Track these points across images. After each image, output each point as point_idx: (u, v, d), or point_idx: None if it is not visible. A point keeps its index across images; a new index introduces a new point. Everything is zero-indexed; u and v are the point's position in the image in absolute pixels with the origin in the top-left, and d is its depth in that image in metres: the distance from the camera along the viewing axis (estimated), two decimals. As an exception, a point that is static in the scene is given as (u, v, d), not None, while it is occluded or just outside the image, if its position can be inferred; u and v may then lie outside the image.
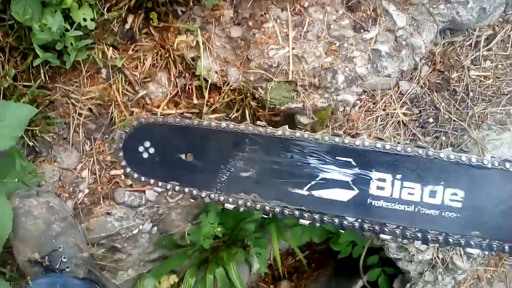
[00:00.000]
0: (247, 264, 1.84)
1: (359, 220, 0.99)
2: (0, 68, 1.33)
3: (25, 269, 1.30)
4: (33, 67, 1.37)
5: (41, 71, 1.37)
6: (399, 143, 1.23)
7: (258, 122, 1.03)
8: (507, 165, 0.94)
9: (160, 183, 1.07)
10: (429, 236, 0.96)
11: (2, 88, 1.34)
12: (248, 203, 1.03)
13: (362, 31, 1.33)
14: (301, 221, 1.02)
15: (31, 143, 1.38)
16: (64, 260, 1.28)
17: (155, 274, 1.63)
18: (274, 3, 1.35)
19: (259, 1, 1.36)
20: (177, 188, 1.06)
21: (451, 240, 0.95)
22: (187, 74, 1.42)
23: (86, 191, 1.41)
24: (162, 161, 1.07)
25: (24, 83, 1.38)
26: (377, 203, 0.98)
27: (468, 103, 1.37)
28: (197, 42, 1.37)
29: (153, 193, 1.45)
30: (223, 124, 1.02)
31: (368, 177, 0.98)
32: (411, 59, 1.36)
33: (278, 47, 1.33)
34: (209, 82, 1.38)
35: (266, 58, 1.32)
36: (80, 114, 1.40)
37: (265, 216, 1.68)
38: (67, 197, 1.40)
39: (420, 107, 1.38)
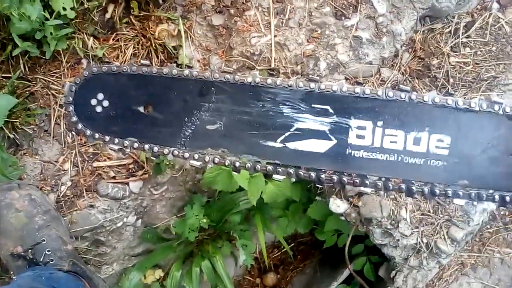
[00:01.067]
0: (233, 257, 1.84)
1: (338, 173, 0.92)
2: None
3: (8, 263, 1.28)
4: (12, 57, 1.35)
5: (21, 61, 1.35)
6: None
7: (224, 68, 0.95)
8: (496, 107, 0.87)
9: (116, 140, 0.97)
10: (413, 187, 0.90)
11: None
12: (216, 159, 0.95)
13: (343, 18, 1.34)
14: (275, 176, 0.95)
15: (11, 136, 1.36)
16: (48, 253, 1.26)
17: (140, 268, 1.61)
18: (256, -9, 1.35)
19: (240, -11, 1.36)
20: (135, 145, 0.96)
21: (437, 190, 0.89)
22: (169, 63, 1.41)
23: (69, 183, 1.39)
24: (118, 115, 0.97)
25: (3, 74, 1.36)
26: (357, 153, 0.91)
27: (448, 89, 1.38)
28: (179, 31, 1.36)
29: (138, 184, 1.43)
30: (186, 71, 0.93)
31: (346, 126, 0.91)
32: (392, 46, 1.37)
33: (260, 34, 1.33)
34: (192, 71, 1.37)
35: (248, 46, 1.32)
36: (61, 106, 1.38)
37: (249, 209, 1.70)
38: (49, 190, 1.38)
39: (402, 94, 1.39)
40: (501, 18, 1.42)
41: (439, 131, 0.89)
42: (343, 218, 1.43)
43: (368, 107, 0.90)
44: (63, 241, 1.30)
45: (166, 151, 0.95)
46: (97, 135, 0.97)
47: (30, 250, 1.26)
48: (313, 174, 0.92)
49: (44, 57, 1.34)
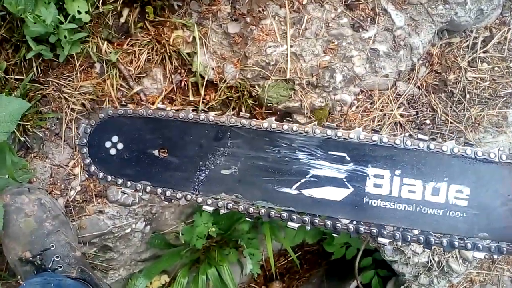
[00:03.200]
0: (238, 264, 1.83)
1: (355, 222, 0.91)
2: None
3: (16, 268, 1.27)
4: (25, 60, 1.34)
5: (34, 64, 1.34)
6: (396, 135, 1.16)
7: (241, 114, 0.94)
8: None
9: (129, 183, 0.97)
10: (432, 239, 0.89)
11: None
12: (230, 205, 0.93)
13: (360, 30, 1.32)
14: (290, 224, 0.93)
15: (22, 139, 1.35)
16: (57, 259, 1.25)
17: (147, 274, 1.60)
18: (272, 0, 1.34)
19: (257, -2, 1.35)
20: (148, 188, 0.96)
21: (456, 243, 0.88)
22: (182, 70, 1.40)
23: (78, 188, 1.38)
24: (131, 158, 0.97)
25: (16, 76, 1.35)
26: (374, 203, 0.90)
27: (464, 105, 1.37)
28: (194, 37, 1.35)
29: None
30: (202, 116, 0.92)
31: (364, 174, 0.90)
32: (408, 59, 1.35)
33: (276, 44, 1.31)
34: (205, 79, 1.36)
35: (264, 56, 1.31)
36: (73, 109, 1.37)
37: (258, 217, 1.68)
38: (58, 194, 1.37)
39: (417, 108, 1.38)
40: (520, 34, 1.41)
41: (458, 182, 0.88)
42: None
43: (385, 156, 0.89)
44: (71, 247, 1.29)
45: (179, 195, 0.95)
46: (109, 178, 0.98)
47: (38, 256, 1.25)
48: (329, 223, 0.91)
49: (57, 60, 1.33)
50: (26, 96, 1.33)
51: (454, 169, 0.88)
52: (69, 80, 1.37)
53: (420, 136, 0.89)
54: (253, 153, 0.92)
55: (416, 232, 0.90)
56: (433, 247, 0.91)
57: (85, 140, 0.98)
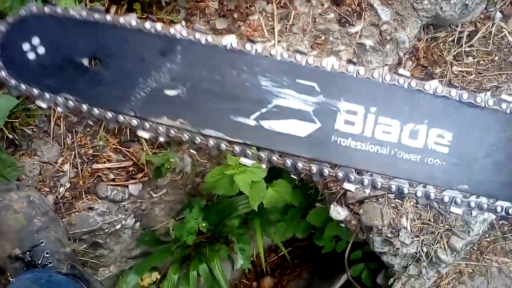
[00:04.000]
0: (229, 260, 1.83)
1: (318, 162, 0.78)
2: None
3: (5, 265, 1.27)
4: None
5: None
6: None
7: (196, 26, 0.79)
8: (504, 106, 0.78)
9: (47, 95, 0.78)
10: (405, 188, 0.79)
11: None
12: (172, 131, 0.78)
13: (347, 25, 1.34)
14: (243, 160, 0.79)
15: (10, 136, 1.34)
16: (46, 255, 1.25)
17: (138, 270, 1.60)
18: (260, -4, 1.35)
19: (244, -7, 1.36)
20: (71, 103, 0.78)
21: (432, 194, 0.78)
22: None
23: (68, 185, 1.38)
24: (54, 66, 0.78)
25: (3, 74, 1.34)
26: (344, 142, 0.78)
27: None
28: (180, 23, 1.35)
29: (137, 187, 1.42)
30: (147, 24, 0.76)
31: (334, 108, 0.77)
32: (395, 53, 1.37)
33: (264, 40, 1.32)
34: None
35: (252, 51, 1.32)
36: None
37: (248, 213, 1.69)
38: (47, 191, 1.37)
39: (404, 102, 1.39)
40: (504, 28, 1.43)
41: (440, 125, 0.78)
42: (343, 225, 1.43)
43: (361, 89, 0.77)
44: (61, 244, 1.29)
45: (109, 115, 0.78)
46: (23, 87, 0.79)
47: (28, 252, 1.25)
48: (288, 161, 0.78)
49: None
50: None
51: (436, 111, 0.78)
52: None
53: (400, 71, 0.78)
54: (207, 73, 0.78)
55: (388, 178, 0.79)
56: (406, 198, 0.82)
57: None
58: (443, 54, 1.42)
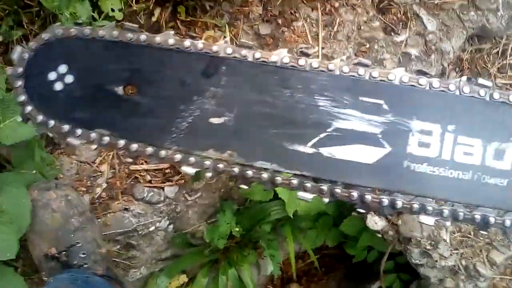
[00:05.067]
0: (256, 265, 1.82)
1: (389, 192, 0.68)
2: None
3: (40, 264, 1.26)
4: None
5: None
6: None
7: (242, 41, 0.69)
8: None
9: (79, 131, 0.69)
10: (491, 218, 0.68)
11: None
12: (220, 165, 0.69)
13: (392, 33, 1.32)
14: (301, 194, 0.69)
15: (50, 134, 1.34)
16: (82, 256, 1.24)
17: (168, 273, 1.59)
18: (304, 2, 1.34)
19: (288, -1, 1.35)
20: (106, 139, 0.70)
21: None
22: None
23: (104, 185, 1.38)
24: (85, 97, 0.69)
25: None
26: (418, 167, 0.67)
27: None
28: (225, 38, 1.35)
29: (173, 189, 1.42)
30: (187, 42, 0.68)
31: (406, 128, 0.67)
32: (439, 64, 1.35)
33: (308, 46, 1.31)
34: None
35: (295, 57, 1.31)
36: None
37: (279, 219, 1.68)
38: (84, 191, 1.37)
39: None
40: (550, 42, 1.41)
41: None
42: (379, 235, 1.41)
43: (435, 105, 0.68)
44: (97, 244, 1.28)
45: (149, 150, 0.69)
46: (52, 123, 0.70)
47: (64, 252, 1.24)
48: (355, 194, 0.68)
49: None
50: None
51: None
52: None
53: (480, 81, 0.68)
54: (256, 96, 0.68)
55: (471, 207, 0.69)
56: (492, 228, 0.71)
57: (21, 69, 0.70)
58: (487, 66, 1.40)
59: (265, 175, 0.69)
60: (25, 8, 1.29)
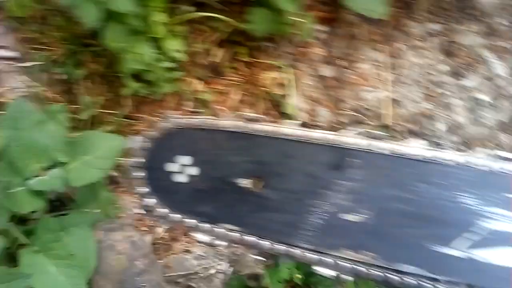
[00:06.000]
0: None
1: None
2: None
3: (104, 306, 1.26)
4: (118, 95, 1.35)
5: (130, 101, 1.34)
6: None
7: (373, 131, 0.62)
8: None
9: (205, 226, 0.64)
10: None
11: (90, 117, 1.33)
12: (360, 268, 0.62)
13: (461, 78, 1.30)
14: None
15: (112, 173, 1.35)
16: (147, 299, 1.24)
17: (225, 315, 1.56)
18: (369, 44, 1.32)
19: (353, 41, 1.33)
20: (234, 235, 0.63)
21: None
22: (274, 112, 1.39)
23: (166, 226, 1.37)
24: (208, 189, 0.65)
25: (106, 110, 1.36)
26: None
27: None
28: (287, 79, 1.34)
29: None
30: (315, 133, 0.61)
31: None
32: (510, 110, 1.31)
33: (374, 89, 1.29)
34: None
35: (361, 101, 1.29)
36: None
37: None
38: (146, 231, 1.36)
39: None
40: None
41: None
42: None
43: None
44: (161, 287, 1.27)
45: (280, 248, 0.62)
46: (177, 217, 0.65)
47: (128, 295, 1.24)
48: None
49: (150, 97, 1.34)
50: (119, 131, 1.34)
51: None
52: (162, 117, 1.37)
53: None
54: (394, 191, 0.63)
55: None
56: None
57: (143, 160, 0.66)
58: None
59: (410, 280, 0.62)
60: (88, 47, 1.31)
